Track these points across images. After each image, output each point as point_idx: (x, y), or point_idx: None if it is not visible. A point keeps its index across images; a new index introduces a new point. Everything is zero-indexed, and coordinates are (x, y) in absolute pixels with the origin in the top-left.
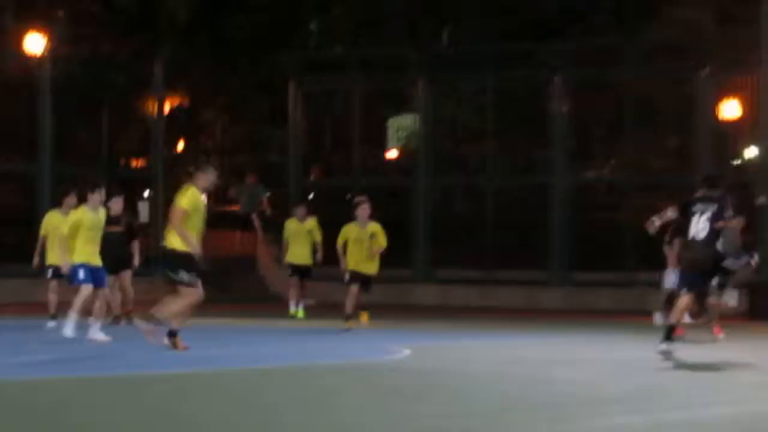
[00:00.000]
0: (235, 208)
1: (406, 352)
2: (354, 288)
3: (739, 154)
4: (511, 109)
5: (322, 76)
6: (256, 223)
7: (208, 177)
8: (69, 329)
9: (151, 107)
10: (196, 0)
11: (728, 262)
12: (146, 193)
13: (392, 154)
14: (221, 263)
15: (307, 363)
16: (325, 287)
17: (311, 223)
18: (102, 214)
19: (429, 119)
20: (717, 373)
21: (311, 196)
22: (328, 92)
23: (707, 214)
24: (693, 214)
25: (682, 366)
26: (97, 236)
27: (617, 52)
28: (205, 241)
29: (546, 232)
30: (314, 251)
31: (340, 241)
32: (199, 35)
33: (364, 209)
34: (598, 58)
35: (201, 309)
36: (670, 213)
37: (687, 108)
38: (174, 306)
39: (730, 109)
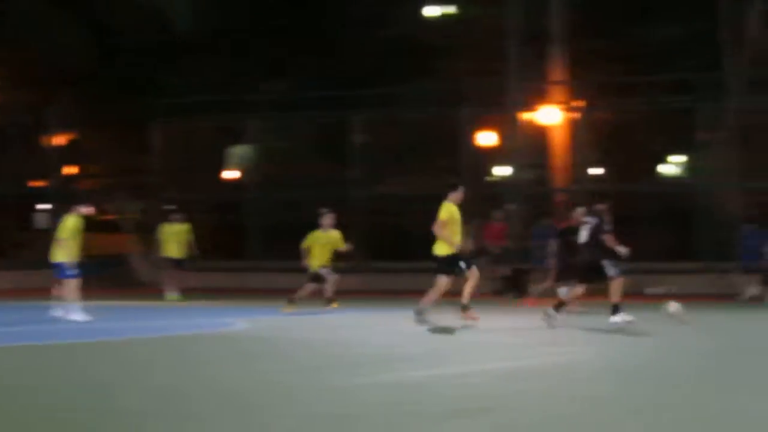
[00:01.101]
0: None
1: (245, 324)
2: (312, 285)
3: (491, 173)
4: (323, 140)
5: (178, 115)
6: (125, 228)
7: (460, 194)
8: None
9: (49, 140)
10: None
11: None
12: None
13: (231, 175)
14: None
15: (168, 334)
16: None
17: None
18: None
19: (260, 148)
20: (489, 336)
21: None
22: (183, 128)
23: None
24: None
25: (462, 331)
26: None
27: (401, 96)
28: (95, 242)
29: (349, 231)
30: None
31: (305, 245)
32: (85, 85)
33: (328, 218)
34: (388, 101)
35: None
36: None
37: (452, 138)
38: (432, 295)
39: (485, 139)
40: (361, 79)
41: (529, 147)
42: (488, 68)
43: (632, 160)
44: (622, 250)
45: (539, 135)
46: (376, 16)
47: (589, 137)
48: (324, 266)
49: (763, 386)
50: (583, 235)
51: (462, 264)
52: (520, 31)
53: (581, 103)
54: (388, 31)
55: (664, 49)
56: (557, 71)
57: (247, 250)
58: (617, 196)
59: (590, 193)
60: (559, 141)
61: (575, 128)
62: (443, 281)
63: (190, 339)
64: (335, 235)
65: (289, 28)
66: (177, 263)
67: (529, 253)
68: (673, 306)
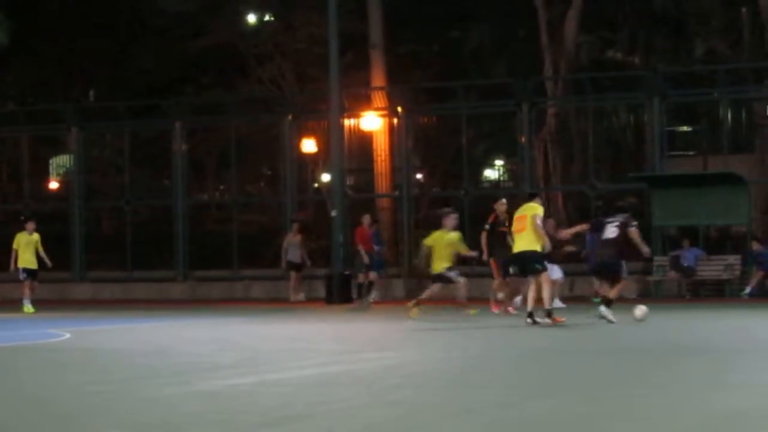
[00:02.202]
0: None
1: (67, 335)
2: (437, 286)
3: (316, 179)
4: (143, 150)
5: None
6: None
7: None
8: None
9: None
10: None
11: None
12: None
13: (54, 185)
14: None
15: None
16: None
17: None
18: None
19: (81, 158)
20: (305, 343)
21: None
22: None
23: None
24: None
25: (281, 338)
26: None
27: (221, 104)
28: None
29: (172, 240)
30: None
31: (426, 245)
32: None
33: (451, 219)
34: (210, 109)
35: None
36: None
37: (276, 145)
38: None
39: (309, 146)
40: (181, 87)
41: (352, 153)
42: (309, 75)
43: (454, 165)
44: (646, 249)
45: (361, 141)
46: (198, 24)
47: (410, 142)
48: (450, 268)
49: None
50: (611, 231)
51: None
52: (340, 38)
53: (402, 109)
54: (209, 39)
55: (485, 54)
56: (377, 77)
57: (71, 261)
58: (440, 200)
59: (416, 197)
60: (381, 146)
61: (396, 133)
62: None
63: (9, 350)
64: (456, 236)
65: (104, 38)
66: (31, 273)
67: (353, 259)
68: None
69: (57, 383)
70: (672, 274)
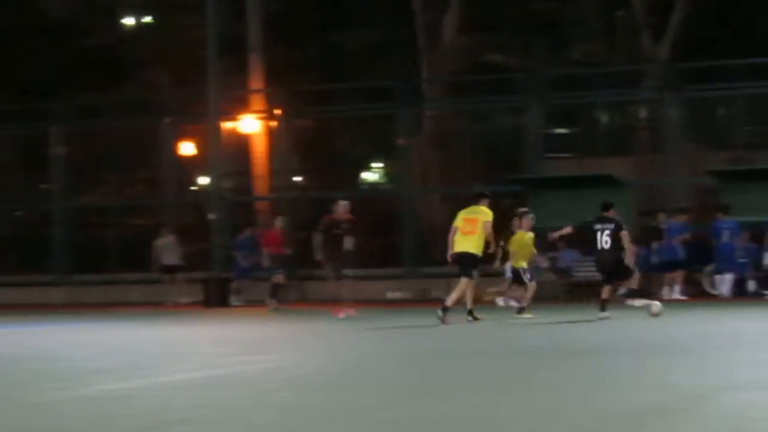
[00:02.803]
0: None
1: None
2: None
3: (195, 182)
4: (21, 152)
5: None
6: None
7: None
8: None
9: None
10: None
11: None
12: None
13: None
14: None
15: None
16: None
17: None
18: None
19: None
20: (185, 346)
21: None
22: None
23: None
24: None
25: (161, 342)
26: None
27: (102, 107)
28: None
29: (51, 245)
30: None
31: (511, 247)
32: None
33: (528, 220)
34: (88, 112)
35: None
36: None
37: (154, 148)
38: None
39: (187, 149)
40: (57, 90)
41: (231, 156)
42: (188, 78)
43: (334, 167)
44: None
45: (241, 144)
46: (76, 27)
47: (289, 145)
48: (525, 269)
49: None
50: (605, 241)
51: None
52: (218, 41)
53: (280, 112)
54: (85, 41)
55: (363, 57)
56: (256, 80)
57: None
58: (319, 203)
59: (292, 200)
60: (260, 149)
61: (275, 136)
62: None
63: None
64: (531, 236)
65: None
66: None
67: (232, 262)
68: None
69: None
70: (549, 275)
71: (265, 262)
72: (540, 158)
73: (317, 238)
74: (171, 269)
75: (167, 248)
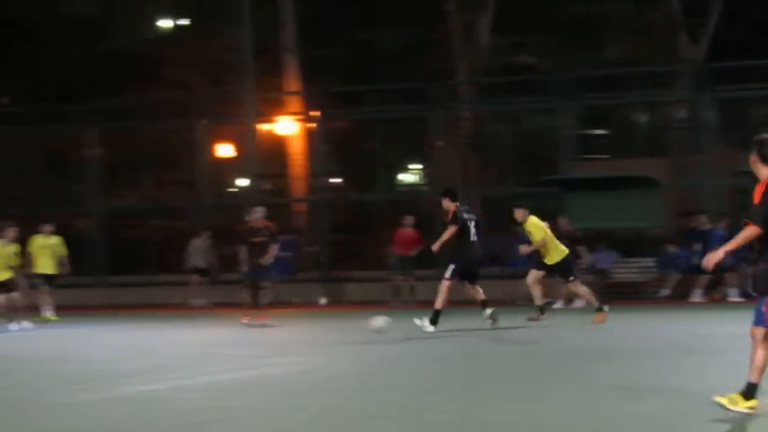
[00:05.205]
0: None
1: None
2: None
3: (231, 184)
4: (55, 154)
5: None
6: None
7: None
8: None
9: None
10: None
11: None
12: None
13: None
14: None
15: None
16: None
17: None
18: None
19: None
20: (216, 348)
21: None
22: None
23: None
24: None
25: (193, 344)
26: None
27: (136, 109)
28: None
29: (87, 247)
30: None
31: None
32: None
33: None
34: (122, 114)
35: None
36: None
37: (191, 150)
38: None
39: (223, 150)
40: (90, 92)
41: (267, 158)
42: (223, 79)
43: (370, 169)
44: None
45: (277, 145)
46: (107, 28)
47: (325, 147)
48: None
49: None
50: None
51: None
52: (253, 42)
53: (316, 113)
54: (118, 43)
55: (398, 58)
56: (291, 81)
57: None
58: (355, 204)
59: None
60: (296, 151)
61: (312, 138)
62: None
63: None
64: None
65: (7, 42)
66: (49, 279)
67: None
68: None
69: None
70: (587, 276)
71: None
72: (574, 159)
73: (242, 250)
74: (203, 271)
75: (200, 250)
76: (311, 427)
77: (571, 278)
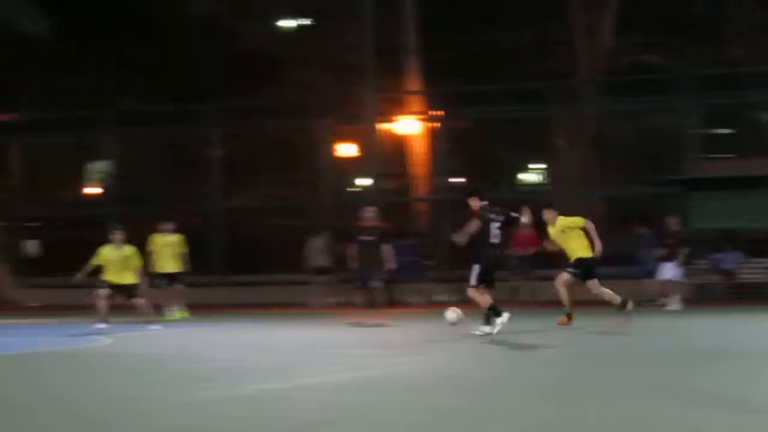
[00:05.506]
0: None
1: (117, 341)
2: None
3: (351, 183)
4: (178, 154)
5: (32, 132)
6: None
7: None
8: None
9: None
10: None
11: None
12: None
13: (89, 190)
14: None
15: (33, 350)
16: None
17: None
18: None
19: (118, 163)
20: (338, 347)
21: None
22: (39, 146)
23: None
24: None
25: (316, 343)
26: None
27: (257, 109)
28: None
29: (209, 245)
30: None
31: None
32: None
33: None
34: (243, 114)
35: None
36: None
37: (311, 150)
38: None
39: (343, 150)
40: (213, 91)
41: (387, 157)
42: (344, 79)
43: (491, 169)
44: None
45: (398, 145)
46: (229, 29)
47: (447, 146)
48: None
49: (606, 395)
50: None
51: None
52: (375, 42)
53: (438, 113)
54: (239, 43)
55: (519, 57)
56: (413, 81)
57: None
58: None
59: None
60: (417, 151)
61: (433, 137)
62: None
63: (49, 355)
64: None
65: (136, 42)
66: (171, 278)
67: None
68: (452, 313)
69: (92, 388)
70: (712, 277)
71: (513, 262)
72: (699, 159)
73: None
74: (324, 270)
75: (320, 250)
76: (434, 428)
77: (592, 279)
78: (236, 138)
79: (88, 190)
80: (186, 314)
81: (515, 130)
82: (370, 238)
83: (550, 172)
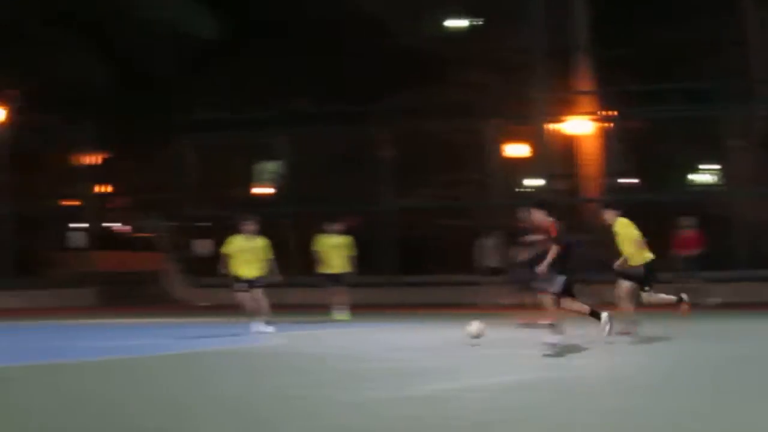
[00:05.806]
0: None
1: (282, 340)
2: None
3: (519, 184)
4: (347, 154)
5: (202, 132)
6: (160, 245)
7: None
8: None
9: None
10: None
11: None
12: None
13: (260, 190)
14: (136, 275)
15: (200, 349)
16: None
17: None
18: None
19: (289, 163)
20: (503, 350)
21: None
22: (211, 146)
23: None
24: None
25: (484, 344)
26: None
27: (426, 109)
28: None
29: (379, 245)
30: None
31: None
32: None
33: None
34: (413, 114)
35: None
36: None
37: (480, 150)
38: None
39: (512, 150)
40: (382, 92)
41: (558, 157)
42: (513, 79)
43: (661, 169)
44: None
45: (567, 145)
46: (397, 28)
47: (617, 146)
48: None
49: None
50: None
51: None
52: (544, 42)
53: (610, 113)
54: (409, 43)
55: (691, 56)
56: (584, 81)
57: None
58: (647, 205)
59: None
60: (588, 151)
61: (604, 138)
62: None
63: (215, 354)
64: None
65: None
66: (337, 279)
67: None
68: (475, 326)
69: (258, 387)
70: None
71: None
72: None
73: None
74: (494, 271)
75: (491, 250)
76: (599, 430)
77: (647, 288)
78: (405, 138)
79: (259, 190)
80: (347, 317)
81: (687, 130)
82: (532, 239)
83: (723, 173)
